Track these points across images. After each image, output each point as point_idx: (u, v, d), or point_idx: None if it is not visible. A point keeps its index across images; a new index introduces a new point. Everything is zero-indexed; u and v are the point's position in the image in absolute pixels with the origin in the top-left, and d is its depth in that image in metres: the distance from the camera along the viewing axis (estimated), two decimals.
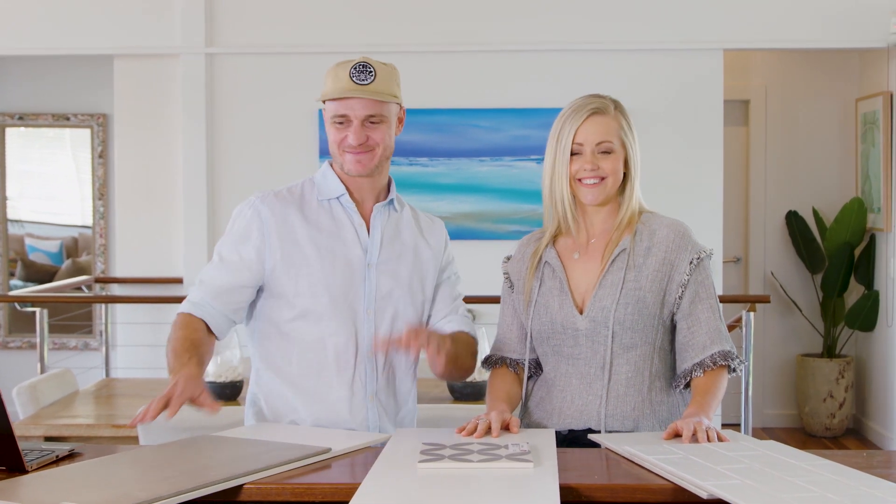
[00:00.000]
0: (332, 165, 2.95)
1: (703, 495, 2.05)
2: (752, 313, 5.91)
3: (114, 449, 2.55)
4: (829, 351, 7.76)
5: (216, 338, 2.85)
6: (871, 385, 7.64)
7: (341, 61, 2.84)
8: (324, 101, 2.87)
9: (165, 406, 2.42)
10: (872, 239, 7.50)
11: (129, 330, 7.22)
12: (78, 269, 8.59)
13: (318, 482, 2.22)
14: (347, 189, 2.91)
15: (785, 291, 7.96)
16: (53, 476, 2.22)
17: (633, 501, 2.16)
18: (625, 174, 2.82)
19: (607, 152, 2.76)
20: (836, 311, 7.72)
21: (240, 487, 2.17)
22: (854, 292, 7.76)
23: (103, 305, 7.23)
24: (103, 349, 7.09)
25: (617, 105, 2.82)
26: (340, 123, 2.81)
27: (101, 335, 7.98)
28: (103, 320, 7.15)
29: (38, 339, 6.23)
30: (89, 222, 8.49)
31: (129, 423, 2.46)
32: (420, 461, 2.26)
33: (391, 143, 2.89)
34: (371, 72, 2.79)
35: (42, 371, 6.14)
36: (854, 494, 2.01)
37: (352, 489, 2.09)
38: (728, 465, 2.22)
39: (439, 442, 2.46)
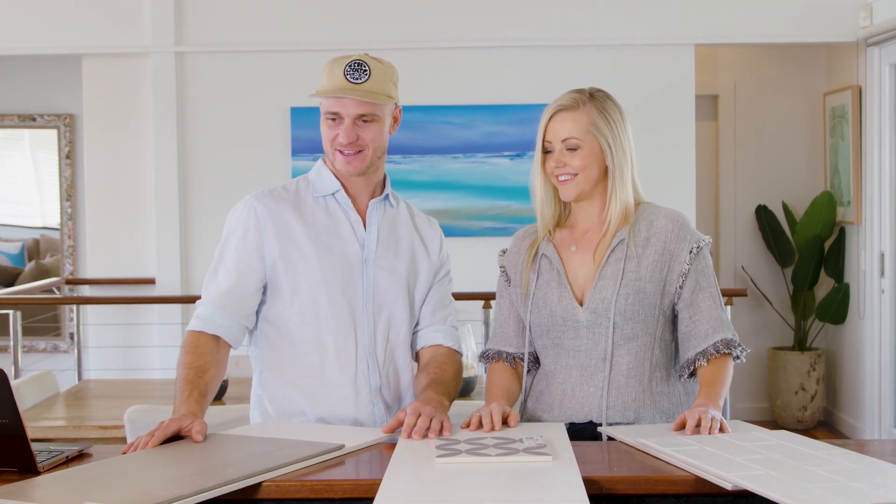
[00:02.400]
0: (325, 162, 2.93)
1: (728, 486, 2.05)
2: (728, 307, 5.95)
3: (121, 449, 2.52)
4: (800, 344, 7.82)
5: (231, 347, 2.83)
6: (842, 377, 7.71)
7: (338, 57, 2.82)
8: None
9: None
10: (842, 232, 7.57)
11: (100, 331, 7.16)
12: (42, 271, 8.49)
13: (337, 479, 2.20)
14: (342, 185, 2.89)
15: (755, 285, 8.02)
16: (69, 476, 2.19)
17: (654, 493, 2.16)
18: (607, 167, 2.81)
19: (573, 149, 2.76)
20: (807, 304, 7.78)
21: (258, 485, 2.15)
22: (824, 285, 7.82)
23: (74, 307, 7.16)
24: (75, 351, 7.02)
25: (596, 98, 2.79)
26: (332, 120, 2.80)
27: (70, 337, 7.91)
28: (74, 322, 7.08)
29: (11, 342, 6.16)
30: (52, 223, 8.40)
31: (122, 451, 2.43)
32: (438, 456, 2.25)
33: (384, 142, 2.87)
34: (366, 70, 2.77)
35: (16, 375, 6.07)
36: (878, 482, 2.02)
37: (372, 485, 2.09)
38: (746, 455, 2.22)
39: (453, 436, 2.46)
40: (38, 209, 8.52)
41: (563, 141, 2.77)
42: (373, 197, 2.92)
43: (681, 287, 2.77)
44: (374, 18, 7.06)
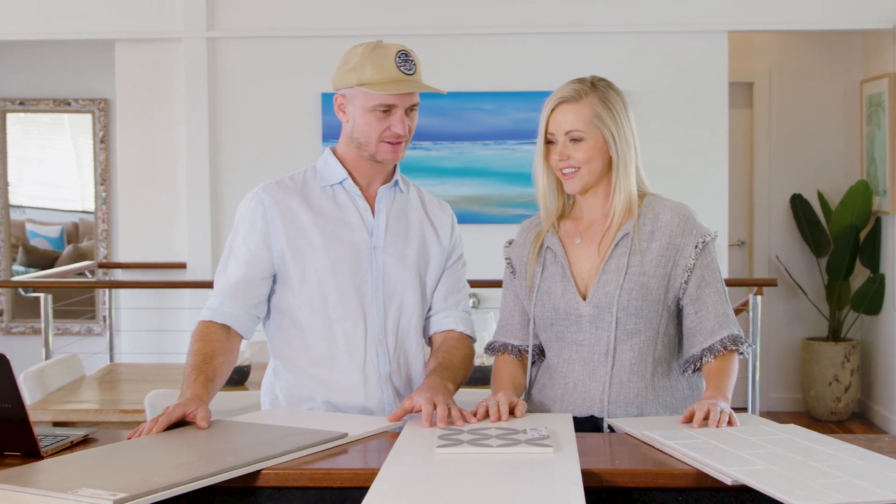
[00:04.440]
0: (333, 151, 2.92)
1: (727, 481, 2.03)
2: (759, 297, 5.89)
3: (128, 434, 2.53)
4: (835, 334, 7.74)
5: (243, 338, 2.85)
6: (876, 369, 7.63)
7: (372, 45, 2.78)
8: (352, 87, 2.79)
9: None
10: (878, 222, 7.48)
11: (132, 315, 7.20)
12: (79, 255, 8.56)
13: (336, 467, 2.19)
14: (350, 174, 2.88)
15: (790, 275, 7.94)
16: (70, 461, 2.20)
17: (655, 486, 2.14)
18: (611, 158, 2.76)
19: (577, 140, 2.71)
20: (842, 294, 7.70)
21: (257, 473, 2.15)
22: (859, 275, 7.74)
23: (107, 291, 7.21)
24: (107, 334, 7.07)
25: (598, 88, 2.74)
26: (384, 112, 2.77)
27: (104, 320, 7.96)
28: (107, 305, 7.13)
29: (42, 325, 6.21)
30: (90, 207, 8.46)
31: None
32: (438, 446, 2.24)
33: None
34: (413, 61, 2.77)
35: (47, 357, 6.12)
36: (881, 480, 1.98)
37: (370, 474, 2.07)
38: (750, 450, 2.19)
39: (457, 426, 2.44)
40: (79, 193, 8.58)
41: (567, 133, 2.72)
42: (383, 183, 2.92)
43: (686, 282, 2.73)
44: (405, 4, 7.04)
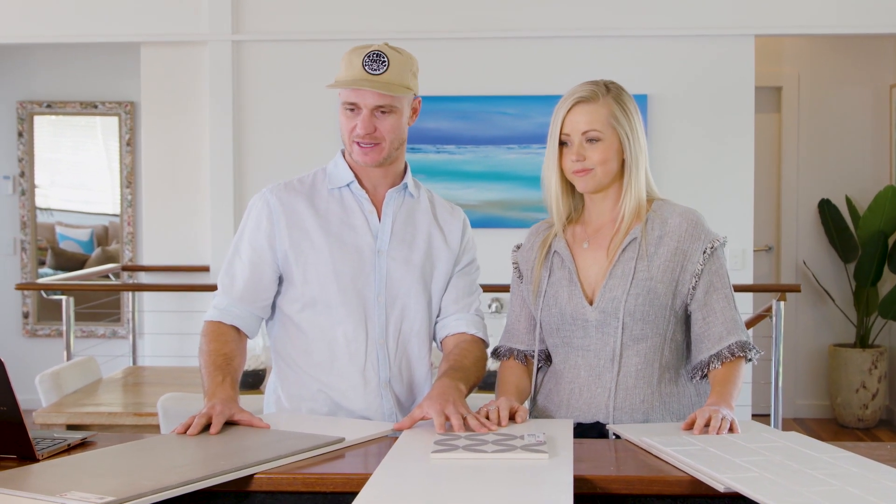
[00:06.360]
0: (343, 153, 2.92)
1: (720, 488, 2.00)
2: (781, 302, 5.82)
3: (127, 437, 2.53)
4: (862, 341, 7.67)
5: (248, 337, 2.87)
6: None
7: (358, 46, 2.80)
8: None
9: (207, 423, 2.48)
10: None
11: (156, 318, 7.23)
12: (108, 258, 8.60)
13: (329, 472, 2.18)
14: (357, 177, 2.88)
15: (817, 280, 7.87)
16: (63, 465, 2.20)
17: (649, 493, 2.11)
18: (624, 160, 2.74)
19: (594, 140, 2.67)
20: (870, 300, 7.62)
21: (250, 477, 2.14)
22: (888, 282, 7.66)
23: (130, 293, 7.23)
24: (130, 337, 7.10)
25: (611, 90, 2.72)
26: (350, 111, 2.77)
27: (128, 323, 8.01)
28: (130, 308, 7.15)
29: (63, 328, 6.24)
30: (119, 210, 8.50)
31: (176, 431, 2.50)
32: (434, 451, 2.22)
33: (402, 133, 2.84)
34: (384, 61, 2.74)
35: (68, 359, 6.15)
36: (875, 488, 1.95)
37: (364, 479, 2.06)
38: (747, 457, 2.17)
39: (455, 432, 2.42)
40: (109, 196, 8.62)
41: (584, 133, 2.68)
42: (392, 187, 2.91)
43: (694, 288, 2.70)
44: (428, 7, 7.02)
